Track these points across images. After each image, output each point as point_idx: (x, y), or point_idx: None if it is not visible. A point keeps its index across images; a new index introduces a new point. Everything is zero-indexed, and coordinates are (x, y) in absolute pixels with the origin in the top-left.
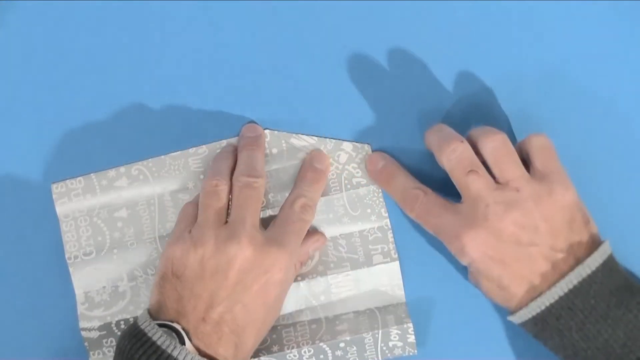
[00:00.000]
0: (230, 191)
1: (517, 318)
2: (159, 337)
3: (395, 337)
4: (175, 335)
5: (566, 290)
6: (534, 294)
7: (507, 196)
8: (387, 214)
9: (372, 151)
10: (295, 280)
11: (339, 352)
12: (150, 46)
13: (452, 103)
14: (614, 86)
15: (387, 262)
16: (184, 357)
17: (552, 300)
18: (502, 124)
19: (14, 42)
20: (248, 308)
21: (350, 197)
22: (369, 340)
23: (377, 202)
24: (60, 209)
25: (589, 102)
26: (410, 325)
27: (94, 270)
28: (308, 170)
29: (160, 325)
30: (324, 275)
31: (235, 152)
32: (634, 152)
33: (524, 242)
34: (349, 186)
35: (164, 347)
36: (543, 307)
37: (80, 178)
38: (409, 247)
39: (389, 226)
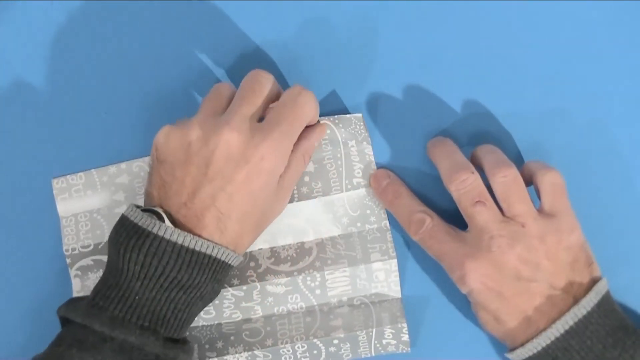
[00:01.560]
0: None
1: (515, 356)
2: (140, 219)
3: (389, 335)
4: (156, 217)
5: (562, 331)
6: (530, 330)
7: (513, 230)
8: (386, 215)
9: (377, 168)
10: (292, 275)
11: (332, 349)
12: (152, 44)
13: (457, 117)
14: (608, 87)
15: (384, 259)
16: (164, 232)
17: (549, 341)
18: (506, 139)
19: (14, 42)
20: (232, 197)
21: (350, 198)
22: (363, 337)
23: (377, 203)
24: (60, 204)
25: (584, 103)
26: (405, 325)
27: (91, 262)
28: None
29: (144, 211)
30: (321, 271)
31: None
32: (626, 154)
33: (524, 277)
34: (349, 186)
35: (144, 226)
36: (539, 348)
37: (81, 174)
38: (407, 247)
39: (388, 227)
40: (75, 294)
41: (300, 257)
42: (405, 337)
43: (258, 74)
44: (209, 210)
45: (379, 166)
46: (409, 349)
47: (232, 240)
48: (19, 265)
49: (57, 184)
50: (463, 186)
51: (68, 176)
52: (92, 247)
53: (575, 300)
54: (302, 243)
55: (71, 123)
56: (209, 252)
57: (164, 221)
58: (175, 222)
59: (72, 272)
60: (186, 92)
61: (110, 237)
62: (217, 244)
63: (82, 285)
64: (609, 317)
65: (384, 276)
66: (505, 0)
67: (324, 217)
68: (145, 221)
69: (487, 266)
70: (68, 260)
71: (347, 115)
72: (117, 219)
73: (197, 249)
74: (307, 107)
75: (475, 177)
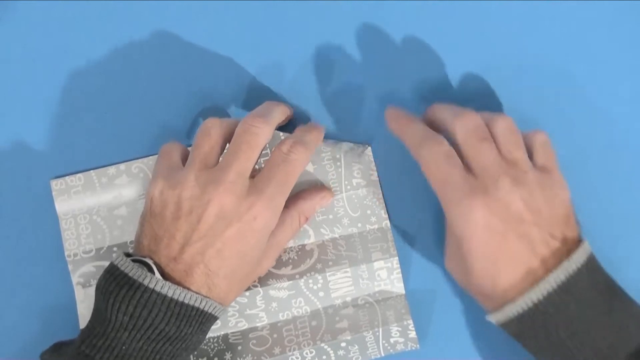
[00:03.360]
0: (227, 140)
1: (502, 315)
2: (131, 269)
3: (396, 333)
4: (146, 269)
5: (555, 285)
6: (528, 278)
7: (517, 174)
8: (387, 215)
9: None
10: (294, 278)
11: (341, 352)
12: (152, 44)
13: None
14: (608, 87)
15: (386, 257)
16: (155, 285)
17: (541, 297)
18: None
19: (14, 42)
20: (221, 254)
21: (350, 198)
22: (370, 338)
23: (378, 203)
24: (59, 206)
25: (584, 103)
26: (411, 321)
27: (93, 268)
28: (300, 128)
29: (134, 261)
30: (322, 273)
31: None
32: (626, 153)
33: (527, 220)
34: (349, 187)
35: (135, 277)
36: (531, 304)
37: (80, 175)
38: (408, 243)
39: (389, 227)
40: (79, 303)
41: (302, 260)
42: (413, 334)
43: (253, 125)
44: (197, 267)
45: (374, 149)
46: (418, 345)
47: (219, 295)
48: (19, 266)
49: (56, 185)
50: (471, 123)
51: (67, 177)
52: (93, 252)
53: (569, 254)
54: (303, 245)
55: (71, 123)
56: (197, 304)
57: (154, 273)
58: (164, 275)
59: (75, 279)
60: (186, 92)
61: (98, 285)
62: (206, 297)
63: (85, 293)
64: (596, 275)
65: (386, 274)
66: (502, 0)
67: (324, 219)
68: (136, 272)
69: (494, 203)
70: (70, 267)
71: (357, 144)
72: (116, 221)
73: (186, 301)
74: (299, 163)
75: (481, 119)
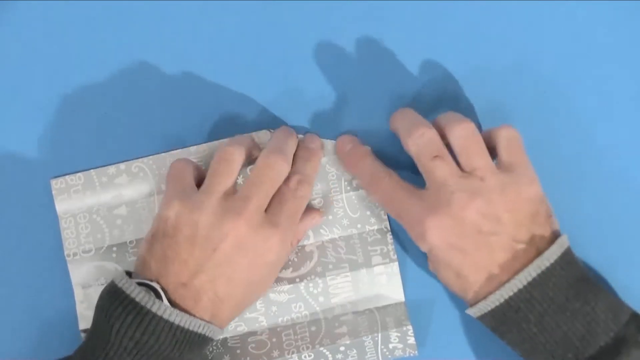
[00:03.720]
0: (246, 164)
1: (477, 311)
2: (137, 293)
3: (395, 339)
4: (153, 293)
5: (525, 282)
6: (493, 284)
7: (472, 184)
8: (386, 216)
9: (342, 134)
10: (294, 282)
11: (339, 356)
12: (152, 44)
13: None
14: (581, 81)
15: (386, 262)
16: (163, 312)
17: (511, 293)
18: (471, 114)
19: (14, 42)
20: (231, 282)
21: (349, 199)
22: (369, 343)
23: (377, 204)
24: (59, 205)
25: (557, 97)
26: (410, 327)
27: (93, 268)
28: (301, 150)
29: (139, 284)
30: (323, 277)
31: (252, 145)
32: (599, 148)
33: (485, 231)
34: (348, 188)
35: (142, 303)
36: (502, 300)
37: (80, 174)
38: (408, 249)
39: (389, 228)
40: (78, 304)
41: (302, 262)
42: (412, 340)
43: (277, 162)
44: (206, 294)
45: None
46: (416, 352)
47: (221, 320)
48: (19, 265)
49: (56, 184)
50: (421, 140)
51: (67, 176)
52: (93, 252)
53: (538, 252)
54: (303, 246)
55: (71, 123)
56: (200, 331)
57: (161, 298)
58: (171, 300)
59: (74, 279)
60: (188, 93)
61: (101, 306)
62: (209, 323)
63: (85, 294)
64: (571, 269)
65: (386, 280)
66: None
67: (324, 219)
68: (143, 297)
69: (447, 221)
70: (70, 266)
71: None
72: (116, 220)
73: (191, 328)
74: (305, 199)
75: (433, 132)
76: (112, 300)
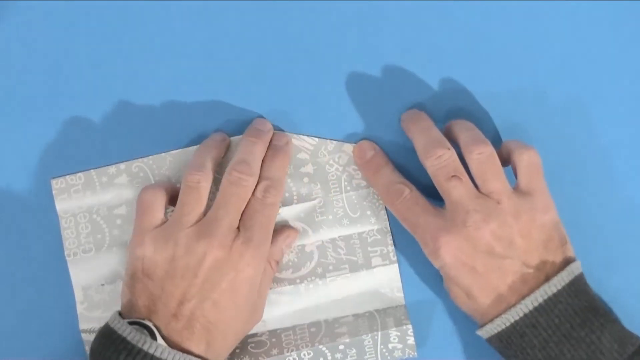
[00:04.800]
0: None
1: (485, 333)
2: (129, 333)
3: (394, 339)
4: (146, 332)
5: (531, 307)
6: (501, 307)
7: (488, 206)
8: (386, 217)
9: (362, 139)
10: (294, 283)
11: (338, 355)
12: (152, 45)
13: (450, 104)
14: (581, 81)
15: (386, 264)
16: (155, 350)
17: (517, 317)
18: (488, 124)
19: (14, 42)
20: (218, 305)
21: (349, 199)
22: (369, 342)
23: (377, 204)
24: (60, 205)
25: (576, 115)
26: (410, 327)
27: (93, 268)
28: (268, 149)
29: (132, 323)
30: (323, 278)
31: (222, 142)
32: (618, 169)
33: (497, 254)
34: (348, 188)
35: (134, 342)
36: (508, 324)
37: (80, 174)
38: (408, 249)
39: (389, 229)
40: (79, 305)
41: (302, 263)
42: (411, 340)
43: (241, 177)
44: (197, 321)
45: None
46: (416, 352)
47: (217, 351)
48: (19, 265)
49: (57, 184)
50: (439, 162)
51: (67, 176)
52: (93, 252)
53: (547, 279)
54: (303, 246)
55: (71, 123)
56: None
57: (154, 337)
58: (164, 336)
59: (74, 279)
60: (188, 93)
61: (93, 350)
62: (203, 357)
63: (85, 295)
64: (579, 297)
65: (386, 282)
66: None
67: (323, 219)
68: (135, 337)
69: (461, 241)
70: (70, 266)
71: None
72: (116, 220)
73: None
74: (275, 206)
75: (451, 153)
76: (104, 341)
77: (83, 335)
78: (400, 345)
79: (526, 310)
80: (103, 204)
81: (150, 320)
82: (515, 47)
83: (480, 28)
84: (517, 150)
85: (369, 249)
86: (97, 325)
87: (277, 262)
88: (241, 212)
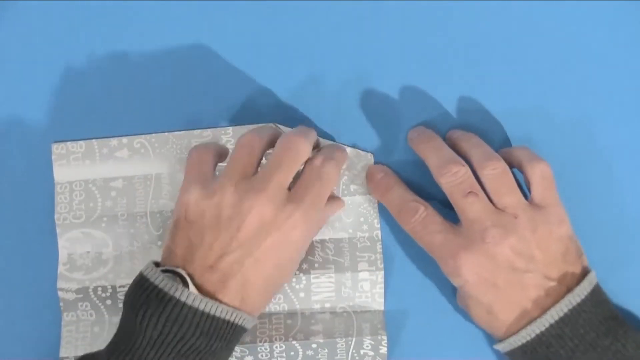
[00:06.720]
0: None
1: (507, 345)
2: (161, 281)
3: (367, 346)
4: (179, 280)
5: (557, 317)
6: (524, 320)
7: (505, 221)
8: (379, 225)
9: (374, 163)
10: None
11: (309, 352)
12: (152, 44)
13: (456, 115)
14: (580, 82)
15: (372, 270)
16: (186, 298)
17: (543, 328)
18: (495, 133)
19: (14, 42)
20: (258, 263)
21: (345, 204)
22: (342, 345)
23: (372, 212)
24: (57, 170)
25: (581, 129)
26: (385, 337)
27: (81, 234)
28: (326, 146)
29: (165, 272)
30: (307, 274)
31: (276, 131)
32: (626, 155)
33: (519, 269)
34: (345, 192)
35: (165, 289)
36: (533, 335)
37: (82, 142)
38: (395, 260)
39: (379, 237)
40: (61, 266)
41: None
42: (384, 350)
43: (297, 142)
44: (234, 277)
45: (377, 159)
46: None
47: (251, 307)
48: (10, 228)
49: (57, 149)
50: (454, 178)
51: (68, 143)
52: (83, 218)
53: (569, 290)
54: None
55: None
56: (228, 318)
57: (187, 285)
58: (197, 286)
59: (61, 242)
60: (191, 75)
61: (126, 298)
62: (237, 309)
63: (69, 257)
64: (600, 306)
65: (369, 287)
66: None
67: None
68: (167, 284)
69: (481, 257)
70: (58, 230)
71: (360, 152)
72: (110, 192)
73: (218, 315)
74: (331, 178)
75: (466, 170)
76: (137, 289)
77: (59, 292)
78: (372, 353)
79: (552, 321)
80: (100, 175)
81: (184, 269)
82: (519, 62)
83: (483, 41)
84: (530, 163)
85: (357, 254)
86: (76, 285)
87: (319, 227)
88: (292, 175)
